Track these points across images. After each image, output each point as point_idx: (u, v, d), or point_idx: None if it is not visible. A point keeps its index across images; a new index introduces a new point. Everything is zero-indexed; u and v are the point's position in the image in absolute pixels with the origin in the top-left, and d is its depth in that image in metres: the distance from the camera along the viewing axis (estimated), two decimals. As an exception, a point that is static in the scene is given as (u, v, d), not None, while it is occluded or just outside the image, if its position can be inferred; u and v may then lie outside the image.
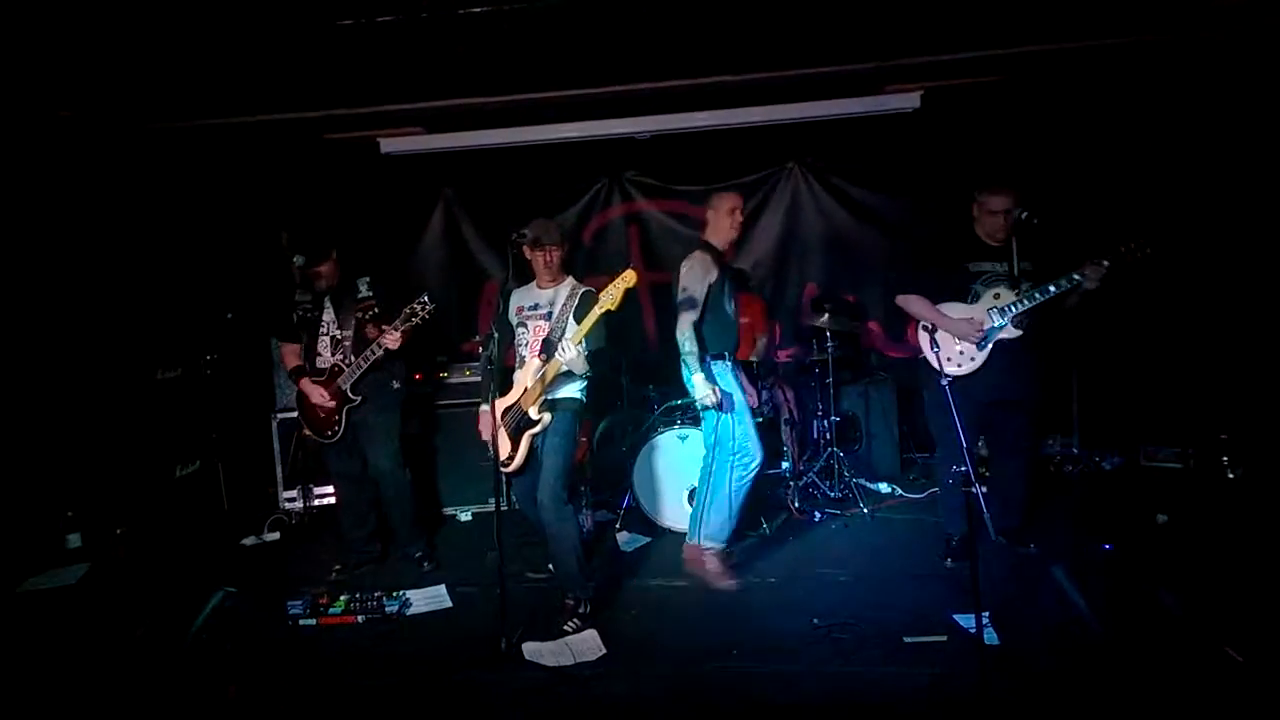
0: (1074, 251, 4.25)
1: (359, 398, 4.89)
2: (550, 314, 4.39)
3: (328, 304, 5.00)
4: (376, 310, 4.75)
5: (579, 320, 4.21)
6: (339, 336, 4.93)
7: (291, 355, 5.09)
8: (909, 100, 5.53)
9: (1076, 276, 4.19)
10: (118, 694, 3.76)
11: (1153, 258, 4.13)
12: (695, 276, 4.54)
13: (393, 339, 4.66)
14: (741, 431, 4.58)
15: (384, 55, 4.43)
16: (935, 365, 4.47)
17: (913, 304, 4.61)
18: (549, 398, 4.34)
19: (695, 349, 4.49)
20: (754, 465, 4.61)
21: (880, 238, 6.71)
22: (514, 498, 4.96)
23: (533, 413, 4.29)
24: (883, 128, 5.96)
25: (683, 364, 4.54)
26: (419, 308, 4.55)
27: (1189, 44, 4.82)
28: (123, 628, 4.37)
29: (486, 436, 4.41)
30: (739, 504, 4.62)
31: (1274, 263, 5.35)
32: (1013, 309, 4.32)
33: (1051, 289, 4.23)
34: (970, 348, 4.41)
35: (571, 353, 4.06)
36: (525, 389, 4.33)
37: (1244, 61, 4.91)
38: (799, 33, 4.55)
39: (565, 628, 4.12)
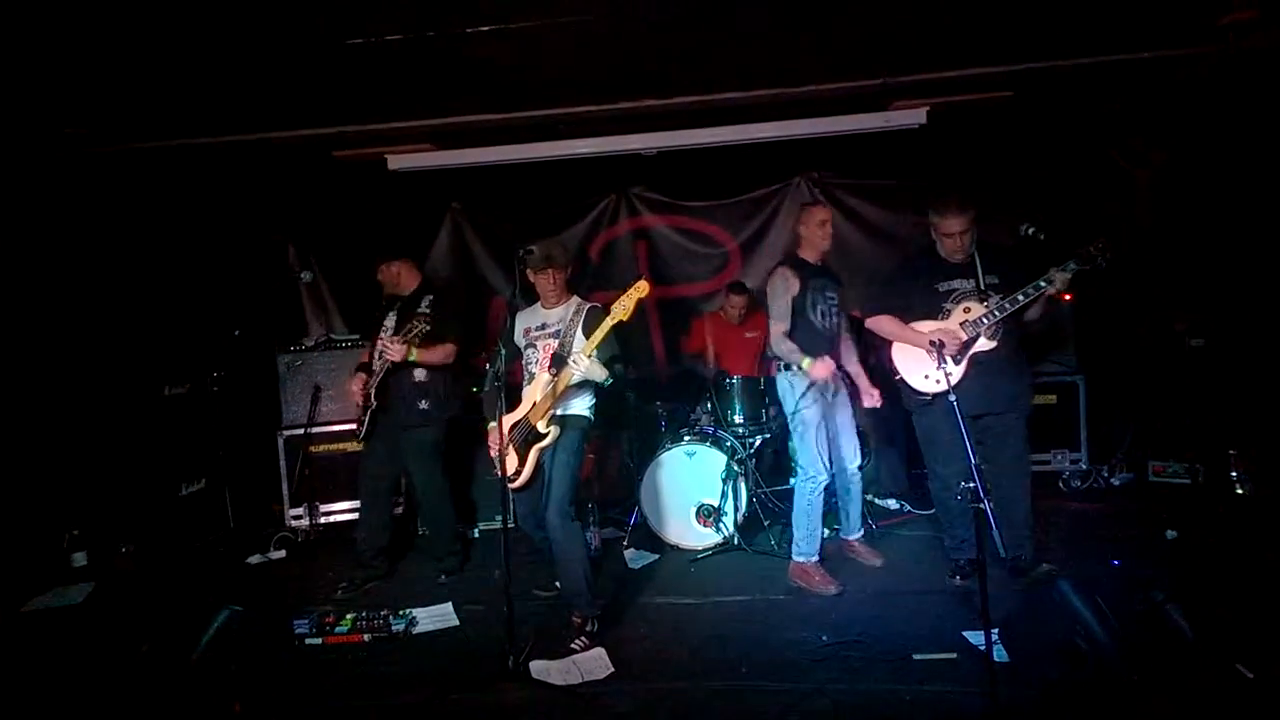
0: (1037, 264, 4.27)
1: (376, 404, 5.05)
2: (559, 332, 4.40)
3: (394, 310, 5.17)
4: (428, 328, 4.82)
5: (588, 334, 4.22)
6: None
7: (367, 353, 5.30)
8: (915, 116, 5.52)
9: (1043, 283, 4.19)
10: (123, 713, 3.75)
11: (1113, 261, 4.13)
12: (777, 292, 4.72)
13: (394, 351, 4.79)
14: (805, 449, 4.78)
15: (392, 73, 4.45)
16: (913, 385, 4.49)
17: (883, 324, 4.62)
18: (557, 413, 4.35)
19: (792, 346, 4.67)
20: (820, 479, 4.77)
21: (887, 253, 6.68)
22: (516, 516, 4.95)
23: (540, 426, 4.30)
24: (889, 144, 5.97)
25: (779, 370, 4.83)
26: (416, 323, 4.73)
27: (1192, 59, 4.83)
28: (128, 646, 4.35)
29: (495, 453, 4.41)
30: (816, 517, 4.81)
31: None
32: (984, 321, 4.31)
33: (1020, 297, 4.23)
34: (948, 363, 4.37)
35: (585, 364, 4.07)
36: (534, 403, 4.34)
37: (1246, 75, 4.91)
38: (806, 49, 4.57)
39: (573, 645, 4.10)
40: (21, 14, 3.47)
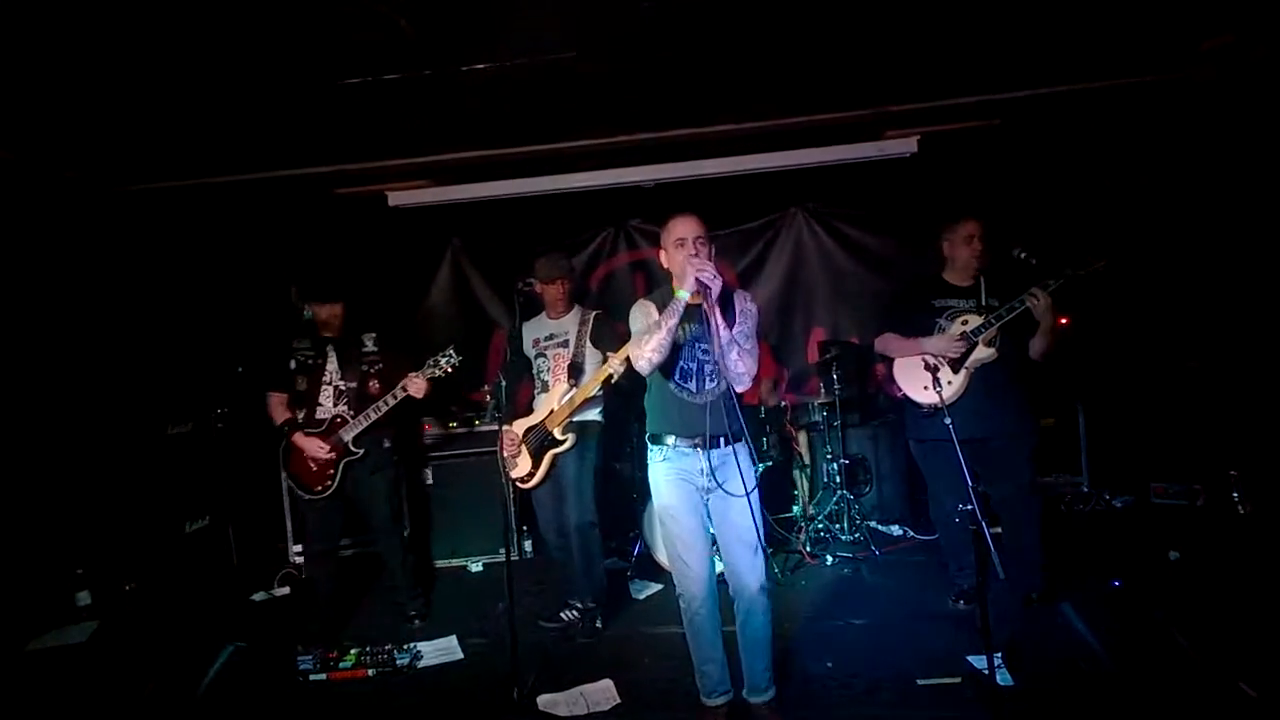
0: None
1: (361, 450, 4.77)
2: (568, 342, 4.66)
3: (331, 352, 4.91)
4: (381, 366, 4.83)
5: (595, 342, 4.56)
6: (343, 388, 4.84)
7: (280, 406, 4.88)
8: (907, 145, 5.60)
9: (1036, 290, 4.21)
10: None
11: (1106, 270, 4.19)
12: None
13: (417, 387, 4.62)
14: (671, 554, 3.62)
15: (390, 111, 4.53)
16: (915, 398, 4.50)
17: (888, 341, 4.66)
18: (575, 419, 4.57)
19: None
20: (692, 597, 3.55)
21: (882, 280, 6.72)
22: (539, 527, 5.06)
23: (557, 433, 4.54)
24: (883, 172, 6.03)
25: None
26: (444, 359, 4.61)
27: (1176, 84, 4.90)
28: (133, 684, 4.36)
29: (507, 454, 4.61)
30: (699, 649, 3.67)
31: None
32: (982, 330, 4.33)
33: (1016, 305, 4.26)
34: (946, 371, 4.38)
35: (619, 366, 4.17)
36: (551, 410, 4.56)
37: (1230, 99, 4.98)
38: (800, 81, 4.63)
39: (563, 615, 4.68)
40: (17, 53, 3.53)
